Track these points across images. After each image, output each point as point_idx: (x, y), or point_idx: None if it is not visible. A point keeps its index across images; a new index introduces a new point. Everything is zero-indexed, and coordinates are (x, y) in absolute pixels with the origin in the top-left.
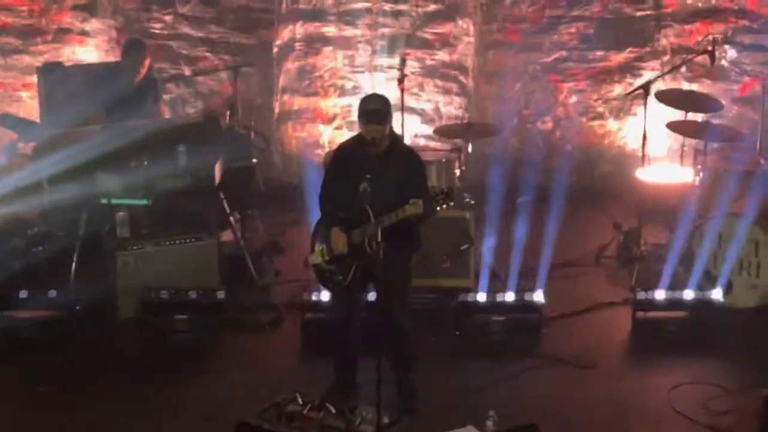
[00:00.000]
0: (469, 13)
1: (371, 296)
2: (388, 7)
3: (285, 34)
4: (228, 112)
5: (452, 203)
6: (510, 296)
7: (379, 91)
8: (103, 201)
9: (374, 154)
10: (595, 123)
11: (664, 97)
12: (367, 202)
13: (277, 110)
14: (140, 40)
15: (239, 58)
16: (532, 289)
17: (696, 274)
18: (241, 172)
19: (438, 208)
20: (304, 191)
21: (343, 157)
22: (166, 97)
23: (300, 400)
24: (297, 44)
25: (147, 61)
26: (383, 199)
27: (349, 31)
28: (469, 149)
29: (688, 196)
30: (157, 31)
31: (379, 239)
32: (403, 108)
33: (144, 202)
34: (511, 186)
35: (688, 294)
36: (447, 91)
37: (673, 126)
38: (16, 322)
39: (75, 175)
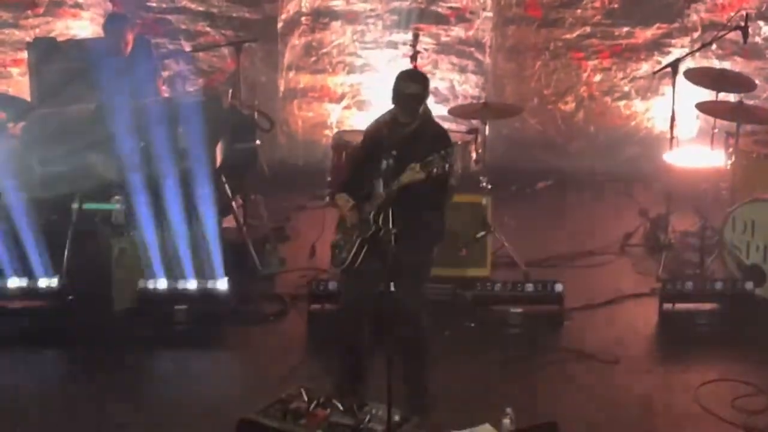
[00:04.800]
0: None
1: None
2: None
3: (291, 7)
4: (230, 91)
5: (448, 163)
6: (529, 286)
7: (389, 70)
8: (74, 206)
9: (403, 131)
10: (621, 103)
11: (694, 75)
12: (384, 177)
13: (282, 88)
14: (118, 14)
15: (242, 33)
16: (553, 280)
17: (727, 264)
18: (244, 154)
19: (435, 170)
20: (311, 174)
21: (373, 133)
22: (164, 74)
23: (305, 397)
24: (303, 18)
25: (129, 36)
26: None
27: (358, 5)
28: (486, 131)
29: (719, 181)
30: (154, 4)
31: (390, 222)
32: None
33: (114, 207)
34: (531, 170)
35: (719, 285)
36: (463, 69)
37: (703, 107)
38: (4, 312)
39: (67, 157)
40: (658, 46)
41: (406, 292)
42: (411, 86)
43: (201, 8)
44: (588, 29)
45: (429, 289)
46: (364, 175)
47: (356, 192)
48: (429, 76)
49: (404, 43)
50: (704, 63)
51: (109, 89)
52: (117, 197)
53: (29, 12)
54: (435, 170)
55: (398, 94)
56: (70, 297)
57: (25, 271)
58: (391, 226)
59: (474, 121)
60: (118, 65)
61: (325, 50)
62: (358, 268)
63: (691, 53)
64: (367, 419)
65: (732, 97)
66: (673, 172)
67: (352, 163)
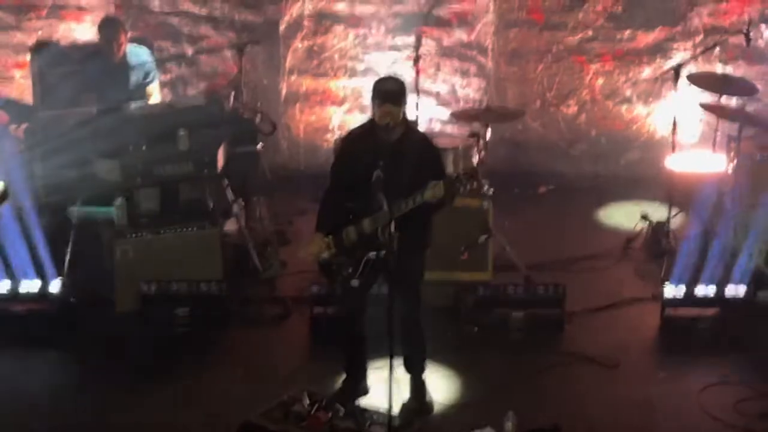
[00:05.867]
0: None
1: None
2: None
3: (293, 10)
4: (232, 94)
5: (476, 184)
6: (531, 290)
7: (392, 73)
8: (71, 210)
9: (387, 141)
10: (623, 107)
11: (697, 80)
12: (381, 190)
13: (284, 92)
14: (112, 18)
15: (244, 36)
16: (555, 283)
17: (728, 269)
18: (246, 157)
19: (461, 190)
20: (312, 178)
21: (354, 145)
22: (166, 77)
23: (307, 400)
24: (305, 22)
25: (123, 38)
26: (397, 187)
27: (360, 8)
28: (488, 135)
29: (721, 186)
30: (156, 8)
31: (392, 229)
32: (417, 90)
33: (113, 210)
34: (533, 174)
35: (720, 290)
36: (465, 73)
37: (707, 106)
38: (6, 314)
39: (70, 160)
40: (660, 49)
41: (405, 296)
42: (388, 83)
43: (203, 11)
44: (590, 33)
45: (428, 291)
46: (350, 189)
47: (344, 206)
48: (431, 79)
49: (406, 47)
50: (707, 67)
51: (109, 92)
52: (119, 200)
53: (32, 15)
54: (461, 190)
55: (379, 91)
56: (72, 299)
57: (28, 273)
58: (392, 230)
59: (476, 125)
60: (114, 68)
61: (327, 54)
62: (360, 278)
63: (694, 57)
64: (368, 423)
65: (734, 101)
66: (675, 176)
67: (335, 178)
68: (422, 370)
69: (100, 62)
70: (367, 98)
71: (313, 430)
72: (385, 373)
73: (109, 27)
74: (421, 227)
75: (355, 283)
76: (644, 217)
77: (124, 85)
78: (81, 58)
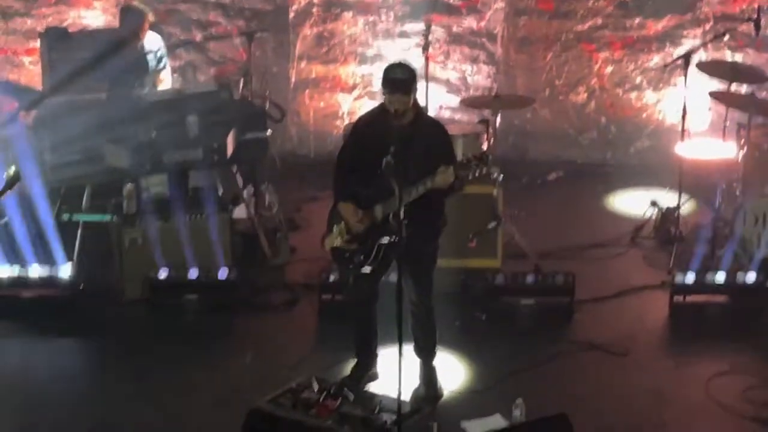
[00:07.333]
0: None
1: (392, 278)
2: None
3: None
4: (241, 81)
5: (486, 169)
6: (540, 278)
7: (402, 60)
8: (64, 217)
9: (398, 127)
10: (632, 95)
11: (706, 67)
12: (392, 175)
13: (293, 79)
14: (137, 7)
15: (254, 23)
16: (563, 271)
17: (738, 257)
18: (255, 144)
19: (470, 177)
20: (321, 165)
21: (364, 130)
22: (175, 64)
23: (316, 386)
24: (315, 9)
25: (146, 26)
26: (408, 172)
27: None
28: (498, 122)
29: (731, 174)
30: None
31: (402, 215)
32: (427, 78)
33: (107, 218)
34: (542, 161)
35: (730, 278)
36: (474, 60)
37: (715, 94)
38: (16, 300)
39: (79, 147)
40: (670, 37)
41: (417, 283)
42: (398, 71)
43: None
44: (600, 20)
45: (437, 279)
46: (362, 174)
47: (349, 189)
48: (440, 66)
49: (416, 34)
50: (716, 55)
51: (129, 80)
52: (129, 186)
53: (41, 1)
54: (470, 176)
55: (388, 80)
56: (81, 286)
57: (37, 259)
58: (402, 216)
59: (485, 112)
60: (136, 56)
61: (336, 40)
62: (372, 265)
63: (704, 45)
64: (377, 409)
65: (744, 89)
66: (685, 164)
67: (343, 165)
68: (432, 356)
69: (121, 50)
70: (377, 85)
71: (321, 417)
72: (395, 359)
73: (133, 16)
74: (433, 213)
75: (367, 269)
76: (653, 205)
77: (144, 72)
78: (94, 44)
